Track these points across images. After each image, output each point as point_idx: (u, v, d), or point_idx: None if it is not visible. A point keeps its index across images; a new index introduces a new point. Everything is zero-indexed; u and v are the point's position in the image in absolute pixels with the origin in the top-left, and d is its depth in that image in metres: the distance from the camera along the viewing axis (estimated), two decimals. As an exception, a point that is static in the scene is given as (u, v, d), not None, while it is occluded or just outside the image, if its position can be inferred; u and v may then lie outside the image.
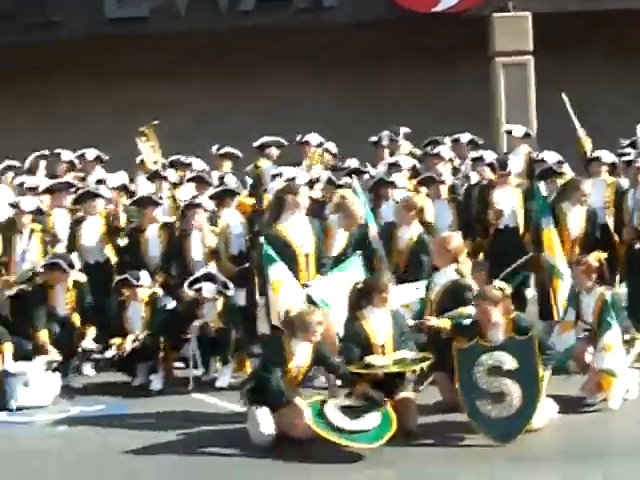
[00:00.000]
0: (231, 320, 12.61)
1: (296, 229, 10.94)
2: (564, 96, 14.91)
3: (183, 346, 12.69)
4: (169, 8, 20.04)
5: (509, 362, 9.73)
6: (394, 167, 14.50)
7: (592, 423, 10.27)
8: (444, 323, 10.31)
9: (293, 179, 13.74)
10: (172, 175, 15.33)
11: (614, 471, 8.77)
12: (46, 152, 16.25)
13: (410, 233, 12.37)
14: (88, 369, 13.29)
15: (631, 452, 9.33)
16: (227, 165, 16.01)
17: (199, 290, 12.61)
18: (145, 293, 12.79)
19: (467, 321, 10.35)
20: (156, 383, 12.50)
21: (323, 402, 9.76)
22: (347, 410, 9.63)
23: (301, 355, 10.03)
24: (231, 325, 12.54)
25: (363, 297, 10.26)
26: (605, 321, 10.55)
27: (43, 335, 12.55)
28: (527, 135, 16.15)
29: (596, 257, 11.17)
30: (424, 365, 10.03)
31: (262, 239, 11.15)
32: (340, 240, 11.83)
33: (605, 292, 10.89)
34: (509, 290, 10.22)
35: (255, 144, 15.96)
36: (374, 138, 16.01)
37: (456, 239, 11.27)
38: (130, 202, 14.19)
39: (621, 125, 14.41)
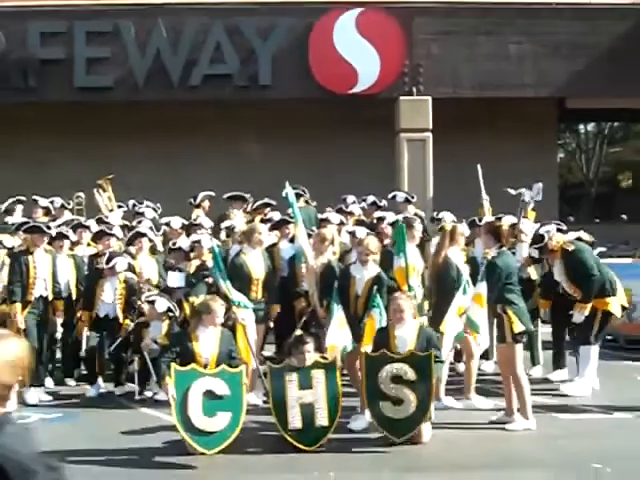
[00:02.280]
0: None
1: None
2: (479, 167, 15.05)
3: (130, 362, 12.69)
4: (130, 79, 20.06)
5: (410, 373, 9.85)
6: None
7: (474, 439, 10.38)
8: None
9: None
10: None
11: (489, 477, 8.99)
12: (23, 197, 16.20)
13: (323, 260, 12.23)
14: (48, 381, 13.13)
15: (500, 465, 9.47)
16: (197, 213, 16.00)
17: (153, 302, 12.57)
18: None
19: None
20: (102, 393, 12.66)
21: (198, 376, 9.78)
22: (208, 395, 9.70)
23: (206, 341, 10.00)
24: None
25: (195, 316, 10.44)
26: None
27: (17, 307, 12.38)
28: (407, 200, 16.01)
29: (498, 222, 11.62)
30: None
31: None
32: None
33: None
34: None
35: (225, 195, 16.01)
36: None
37: (372, 240, 11.55)
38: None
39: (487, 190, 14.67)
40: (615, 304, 12.57)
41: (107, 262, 12.83)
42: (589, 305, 12.36)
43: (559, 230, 13.22)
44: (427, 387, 9.93)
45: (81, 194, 16.63)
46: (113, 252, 13.13)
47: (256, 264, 12.18)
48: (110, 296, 12.87)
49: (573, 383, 12.44)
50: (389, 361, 9.98)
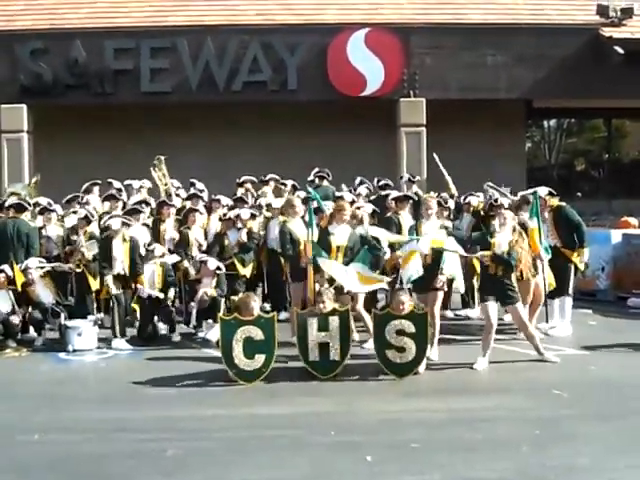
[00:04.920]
0: (222, 289, 12.63)
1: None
2: (435, 156, 15.05)
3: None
4: (185, 85, 20.05)
5: (410, 327, 9.96)
6: None
7: (459, 369, 10.42)
8: None
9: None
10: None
11: (470, 401, 9.02)
12: (99, 180, 16.17)
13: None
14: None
15: (479, 390, 9.54)
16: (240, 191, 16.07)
17: (205, 262, 12.66)
18: None
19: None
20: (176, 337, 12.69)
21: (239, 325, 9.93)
22: (248, 340, 9.83)
23: None
24: (221, 294, 12.52)
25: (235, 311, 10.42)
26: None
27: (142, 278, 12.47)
28: (411, 181, 16.21)
29: (430, 197, 11.78)
30: None
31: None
32: None
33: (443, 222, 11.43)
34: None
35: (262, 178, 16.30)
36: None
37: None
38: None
39: (491, 175, 14.63)
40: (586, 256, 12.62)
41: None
42: (586, 250, 12.37)
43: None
44: (424, 338, 10.05)
45: (161, 157, 16.41)
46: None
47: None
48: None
49: (558, 328, 12.41)
50: (394, 318, 10.03)
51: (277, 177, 16.05)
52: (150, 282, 12.61)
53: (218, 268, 12.72)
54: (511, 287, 10.56)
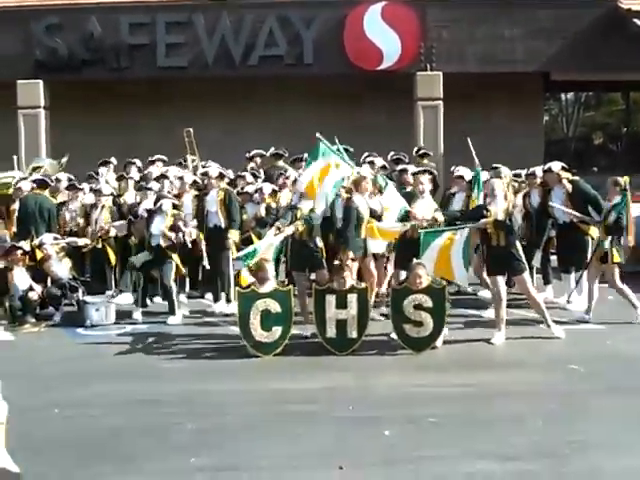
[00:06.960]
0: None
1: None
2: (468, 140, 14.83)
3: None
4: (201, 60, 20.04)
5: (427, 302, 9.98)
6: None
7: (476, 344, 10.45)
8: None
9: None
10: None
11: (487, 375, 9.07)
12: (112, 159, 16.24)
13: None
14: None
15: (496, 365, 9.59)
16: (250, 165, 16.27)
17: (207, 173, 12.94)
18: None
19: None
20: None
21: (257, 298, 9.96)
22: (264, 313, 9.91)
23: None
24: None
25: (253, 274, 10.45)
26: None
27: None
28: (424, 154, 16.45)
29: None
30: None
31: None
32: None
33: None
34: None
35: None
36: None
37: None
38: None
39: (508, 148, 14.48)
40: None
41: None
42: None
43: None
44: (441, 312, 10.03)
45: (190, 129, 16.42)
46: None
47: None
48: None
49: (575, 302, 12.35)
50: (411, 292, 10.04)
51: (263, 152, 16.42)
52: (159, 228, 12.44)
53: (220, 174, 12.85)
54: (517, 257, 10.50)
